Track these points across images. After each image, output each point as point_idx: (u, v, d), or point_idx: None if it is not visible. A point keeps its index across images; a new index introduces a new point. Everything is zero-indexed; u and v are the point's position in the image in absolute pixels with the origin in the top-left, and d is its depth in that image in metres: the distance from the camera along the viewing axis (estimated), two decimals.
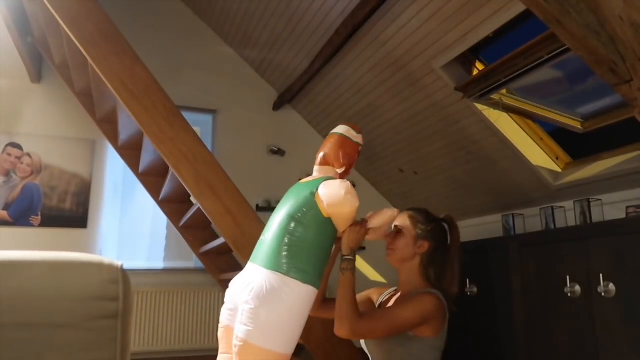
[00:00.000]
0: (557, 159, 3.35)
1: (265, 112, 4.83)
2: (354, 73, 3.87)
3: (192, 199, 3.25)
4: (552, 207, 3.17)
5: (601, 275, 2.37)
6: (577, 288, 2.52)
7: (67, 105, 4.08)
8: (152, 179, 3.71)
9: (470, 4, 2.75)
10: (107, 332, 0.74)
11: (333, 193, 1.53)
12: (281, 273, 1.47)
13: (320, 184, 1.57)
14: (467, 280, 3.23)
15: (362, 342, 1.74)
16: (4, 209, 3.95)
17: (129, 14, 4.22)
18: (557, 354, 2.64)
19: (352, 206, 1.54)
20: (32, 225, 4.00)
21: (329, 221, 1.56)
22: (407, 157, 4.21)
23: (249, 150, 4.66)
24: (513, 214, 3.45)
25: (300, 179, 1.76)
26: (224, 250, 3.44)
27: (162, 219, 4.04)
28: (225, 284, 3.62)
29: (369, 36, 3.44)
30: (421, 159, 4.09)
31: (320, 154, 1.70)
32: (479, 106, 3.27)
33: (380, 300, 1.84)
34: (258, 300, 1.43)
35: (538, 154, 3.32)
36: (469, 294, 3.21)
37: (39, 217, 4.02)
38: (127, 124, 3.28)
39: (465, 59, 3.22)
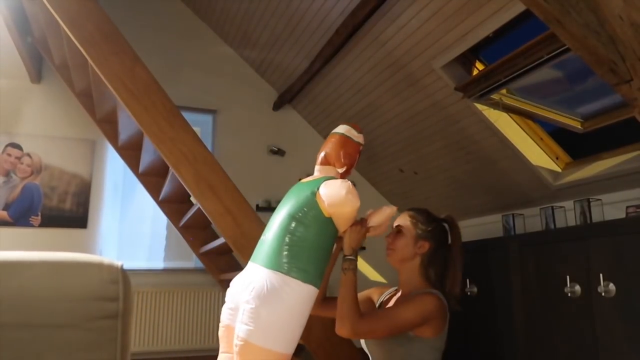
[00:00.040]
0: (557, 158, 3.35)
1: (265, 112, 4.83)
2: (354, 73, 3.87)
3: (192, 199, 3.25)
4: (552, 207, 3.17)
5: (601, 275, 2.37)
6: (577, 288, 2.52)
7: (67, 105, 4.09)
8: (152, 179, 3.71)
9: (470, 4, 2.75)
10: (107, 332, 0.74)
11: (334, 193, 1.53)
12: (282, 272, 1.47)
13: (321, 184, 1.57)
14: (467, 280, 3.23)
15: (362, 342, 1.74)
16: (4, 209, 3.95)
17: (129, 14, 4.22)
18: (557, 354, 2.64)
19: (352, 206, 1.54)
20: (32, 226, 4.00)
21: (329, 221, 1.56)
22: (407, 157, 4.21)
23: (249, 150, 4.66)
24: (513, 214, 3.45)
25: (300, 179, 1.76)
26: (224, 250, 3.44)
27: (162, 219, 4.04)
28: (225, 284, 3.62)
29: (369, 36, 3.44)
30: (421, 159, 4.09)
31: (321, 154, 1.70)
32: (479, 106, 3.27)
33: (380, 300, 1.84)
34: (259, 300, 1.43)
35: (538, 154, 3.32)
36: (469, 294, 3.21)
37: (39, 217, 4.02)
38: (127, 124, 3.28)
39: (465, 59, 3.22)
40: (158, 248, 4.44)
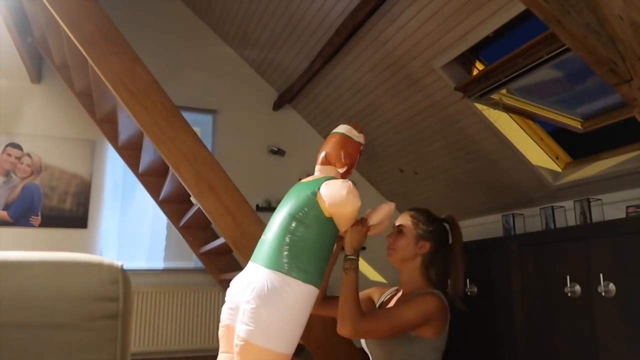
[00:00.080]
0: (557, 158, 3.35)
1: (265, 112, 4.83)
2: (354, 73, 3.87)
3: (192, 199, 3.25)
4: (552, 207, 3.17)
5: (601, 275, 2.37)
6: (577, 288, 2.51)
7: (67, 105, 4.09)
8: (152, 179, 3.71)
9: (470, 4, 2.75)
10: (107, 332, 0.74)
11: (335, 193, 1.53)
12: (282, 273, 1.47)
13: (321, 184, 1.57)
14: (467, 280, 3.23)
15: (363, 342, 1.74)
16: (4, 209, 3.95)
17: (129, 14, 4.22)
18: (557, 354, 2.64)
19: (353, 206, 1.54)
20: (32, 226, 4.00)
21: (330, 221, 1.56)
22: (407, 157, 4.21)
23: (249, 150, 4.66)
24: (513, 214, 3.45)
25: (300, 179, 1.76)
26: (224, 250, 3.44)
27: (162, 219, 4.04)
28: (225, 284, 3.62)
29: (369, 36, 3.44)
30: (421, 159, 4.09)
31: (322, 154, 1.70)
32: (479, 106, 3.27)
33: (381, 300, 1.84)
34: (259, 300, 1.43)
35: (538, 154, 3.32)
36: (469, 294, 3.21)
37: (39, 218, 4.03)
38: (127, 124, 3.28)
39: (465, 59, 3.22)
40: (158, 248, 4.44)
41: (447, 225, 1.77)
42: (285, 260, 1.49)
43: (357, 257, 1.64)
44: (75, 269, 0.75)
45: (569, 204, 3.13)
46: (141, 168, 3.66)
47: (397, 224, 1.78)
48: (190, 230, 3.78)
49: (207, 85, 4.57)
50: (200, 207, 2.66)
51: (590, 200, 2.93)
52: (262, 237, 1.61)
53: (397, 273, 1.78)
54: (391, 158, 4.37)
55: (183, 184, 2.64)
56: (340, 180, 1.58)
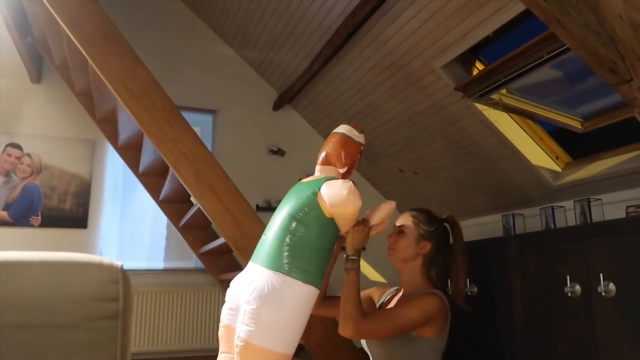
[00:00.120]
0: (557, 158, 3.35)
1: (265, 112, 4.83)
2: (354, 73, 3.87)
3: (192, 199, 3.25)
4: (552, 207, 3.17)
5: (601, 275, 2.37)
6: (577, 288, 2.51)
7: (67, 105, 4.08)
8: (152, 179, 3.71)
9: (470, 4, 2.75)
10: (107, 332, 0.74)
11: (335, 193, 1.53)
12: (283, 273, 1.47)
13: (322, 184, 1.57)
14: (467, 280, 3.23)
15: (363, 342, 1.74)
16: (4, 209, 3.95)
17: (129, 14, 4.22)
18: (557, 354, 2.64)
19: (354, 206, 1.54)
20: (32, 226, 4.00)
21: (331, 221, 1.56)
22: (407, 157, 4.21)
23: (249, 150, 4.66)
24: (513, 214, 3.45)
25: (300, 179, 1.76)
26: (224, 250, 3.44)
27: (162, 219, 4.04)
28: (225, 284, 3.62)
29: (369, 36, 3.44)
30: (421, 159, 4.09)
31: (322, 154, 1.69)
32: (479, 106, 3.27)
33: (381, 300, 1.84)
34: (260, 300, 1.43)
35: (538, 154, 3.32)
36: (469, 293, 3.21)
37: (39, 218, 4.02)
38: (127, 124, 3.28)
39: (465, 59, 3.22)
40: (158, 248, 4.44)
41: (448, 226, 1.77)
42: (285, 261, 1.49)
43: (359, 257, 1.63)
44: (75, 269, 0.75)
45: (569, 204, 3.13)
46: (141, 168, 3.66)
47: (398, 224, 1.78)
48: (190, 230, 3.78)
49: (207, 85, 4.57)
50: (200, 207, 2.66)
51: (590, 200, 2.93)
52: (263, 237, 1.61)
53: (397, 273, 1.78)
54: (391, 158, 4.37)
55: (183, 184, 2.63)
56: (340, 181, 1.58)
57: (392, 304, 1.73)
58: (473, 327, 3.17)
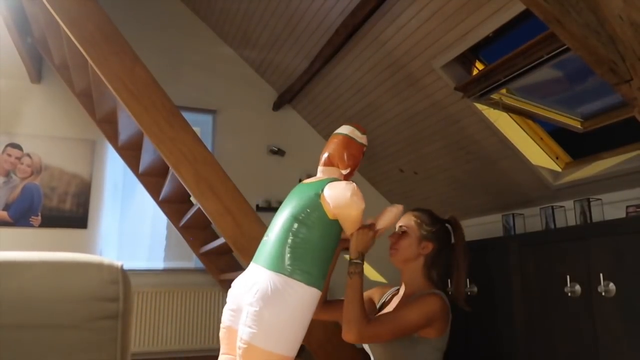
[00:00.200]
0: (557, 158, 3.35)
1: (265, 112, 4.83)
2: (353, 73, 3.87)
3: (192, 199, 3.25)
4: (552, 206, 3.17)
5: (601, 275, 2.37)
6: (577, 288, 2.51)
7: (67, 105, 4.08)
8: (152, 179, 3.71)
9: (470, 4, 2.75)
10: (108, 332, 0.74)
11: (339, 195, 1.52)
12: (285, 275, 1.46)
13: (325, 185, 1.56)
14: (467, 280, 3.23)
15: None
16: (4, 209, 3.95)
17: (129, 14, 4.22)
18: (557, 354, 2.64)
19: (358, 208, 1.53)
20: (32, 226, 4.00)
21: (333, 223, 1.55)
22: (407, 157, 4.21)
23: (249, 150, 4.66)
24: (513, 214, 3.45)
25: (301, 180, 1.76)
26: (224, 250, 3.44)
27: (162, 219, 4.04)
28: (225, 284, 3.62)
29: (369, 36, 3.43)
30: (421, 159, 4.09)
31: (325, 155, 1.68)
32: (479, 106, 3.26)
33: (382, 300, 1.84)
34: (262, 302, 1.42)
35: (538, 154, 3.32)
36: (469, 293, 3.21)
37: (39, 218, 4.02)
38: (127, 124, 3.28)
39: (465, 59, 3.22)
40: (158, 248, 4.44)
41: (449, 226, 1.77)
42: (288, 262, 1.48)
43: (362, 261, 1.63)
44: (75, 269, 0.75)
45: (569, 203, 3.12)
46: (141, 168, 3.66)
47: (400, 224, 1.78)
48: (190, 230, 3.78)
49: (207, 85, 4.57)
50: (200, 207, 2.65)
51: (590, 200, 2.93)
52: (265, 238, 1.60)
53: (397, 273, 1.78)
54: (391, 158, 4.37)
55: (183, 184, 2.63)
56: (344, 182, 1.57)
57: (392, 304, 1.73)
58: (473, 327, 3.17)
